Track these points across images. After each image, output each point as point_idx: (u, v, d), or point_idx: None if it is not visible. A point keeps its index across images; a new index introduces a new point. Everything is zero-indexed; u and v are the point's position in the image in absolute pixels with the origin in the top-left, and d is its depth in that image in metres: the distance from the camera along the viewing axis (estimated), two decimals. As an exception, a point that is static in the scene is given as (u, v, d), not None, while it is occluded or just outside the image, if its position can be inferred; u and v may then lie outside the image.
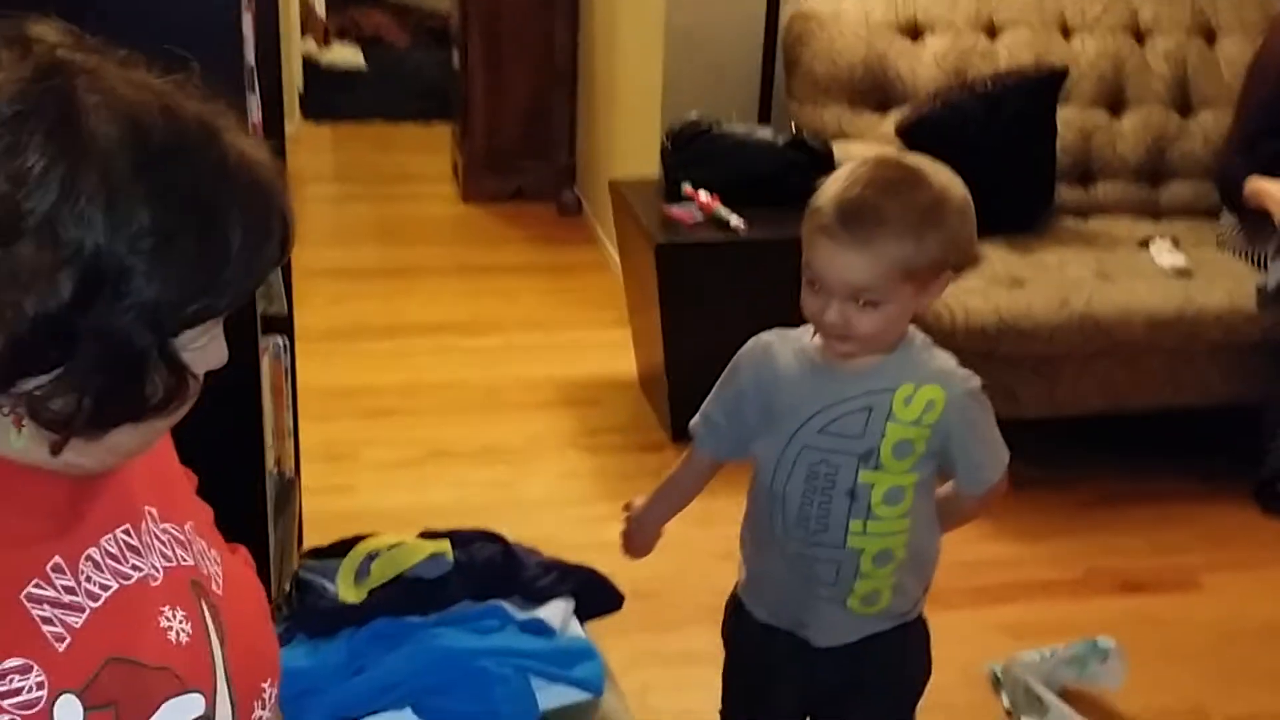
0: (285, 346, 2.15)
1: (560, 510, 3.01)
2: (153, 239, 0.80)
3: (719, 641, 1.77)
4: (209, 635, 0.96)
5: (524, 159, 5.33)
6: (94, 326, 0.79)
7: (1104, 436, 3.35)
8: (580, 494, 3.11)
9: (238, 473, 1.73)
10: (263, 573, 1.13)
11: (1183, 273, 3.18)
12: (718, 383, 1.64)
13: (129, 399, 0.84)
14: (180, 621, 0.94)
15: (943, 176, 1.48)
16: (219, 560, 1.03)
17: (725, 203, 3.27)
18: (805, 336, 1.55)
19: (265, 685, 1.02)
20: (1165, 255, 3.25)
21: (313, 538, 2.30)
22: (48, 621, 0.85)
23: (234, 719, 0.96)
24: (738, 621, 1.70)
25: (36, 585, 0.85)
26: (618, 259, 4.57)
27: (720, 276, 3.19)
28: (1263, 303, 3.06)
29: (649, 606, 2.42)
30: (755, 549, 1.65)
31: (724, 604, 1.75)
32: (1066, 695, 2.37)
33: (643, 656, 2.36)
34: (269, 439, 1.83)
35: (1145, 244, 3.35)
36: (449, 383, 3.63)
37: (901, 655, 1.66)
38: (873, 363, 1.50)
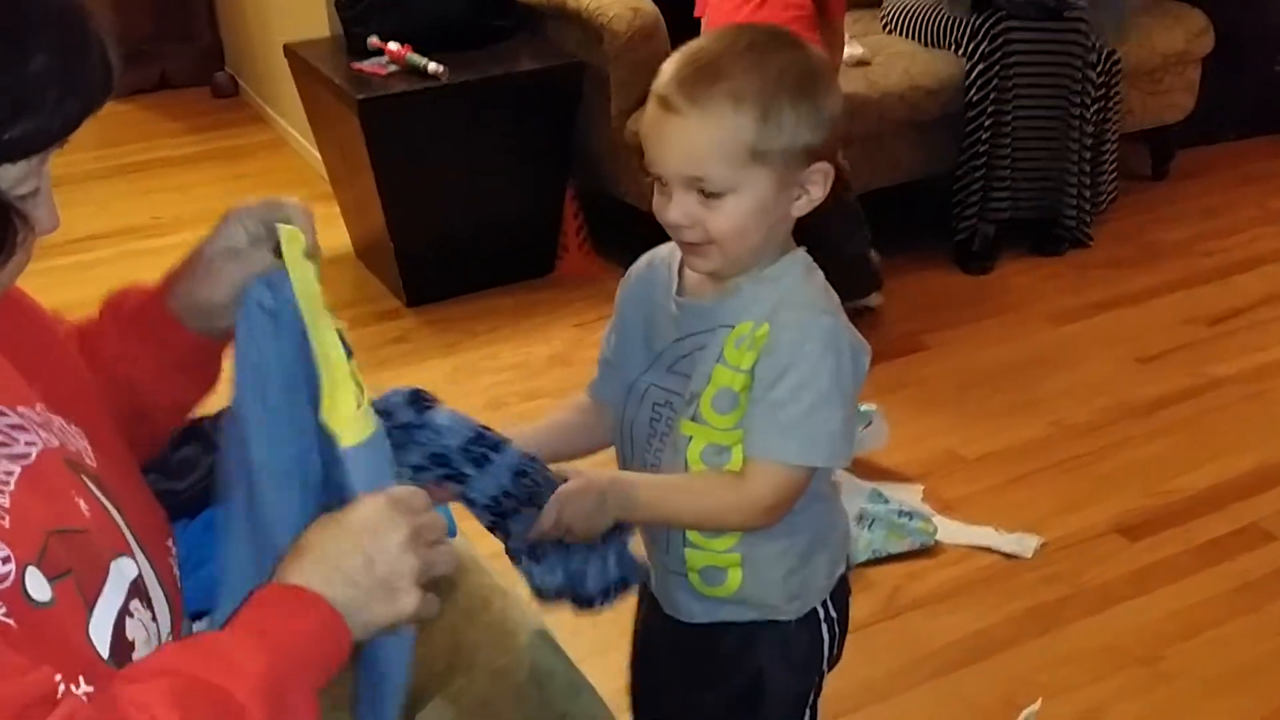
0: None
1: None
2: None
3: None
4: (104, 505, 0.90)
5: (163, 43, 4.93)
6: None
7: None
8: (327, 372, 2.98)
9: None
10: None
11: (861, 62, 3.34)
12: None
13: None
14: (75, 495, 0.88)
15: (815, 48, 1.23)
16: (83, 434, 0.95)
17: (416, 51, 3.15)
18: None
19: (170, 544, 0.98)
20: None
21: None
22: None
23: (158, 580, 0.91)
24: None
25: None
26: (295, 133, 4.36)
27: (429, 128, 3.08)
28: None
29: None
30: None
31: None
32: (840, 465, 2.52)
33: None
34: None
35: (822, 39, 3.49)
36: (149, 288, 3.37)
37: (750, 654, 1.33)
38: (729, 290, 1.23)
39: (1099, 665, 2.06)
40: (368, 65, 3.15)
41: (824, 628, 1.36)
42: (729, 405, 1.21)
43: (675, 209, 1.17)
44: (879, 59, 3.34)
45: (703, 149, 1.14)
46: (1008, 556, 2.32)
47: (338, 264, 3.57)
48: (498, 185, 3.24)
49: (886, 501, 2.39)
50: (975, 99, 3.24)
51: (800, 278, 1.24)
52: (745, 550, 1.27)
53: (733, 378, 1.21)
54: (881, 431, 2.60)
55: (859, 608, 2.25)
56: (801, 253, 1.26)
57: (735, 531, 1.26)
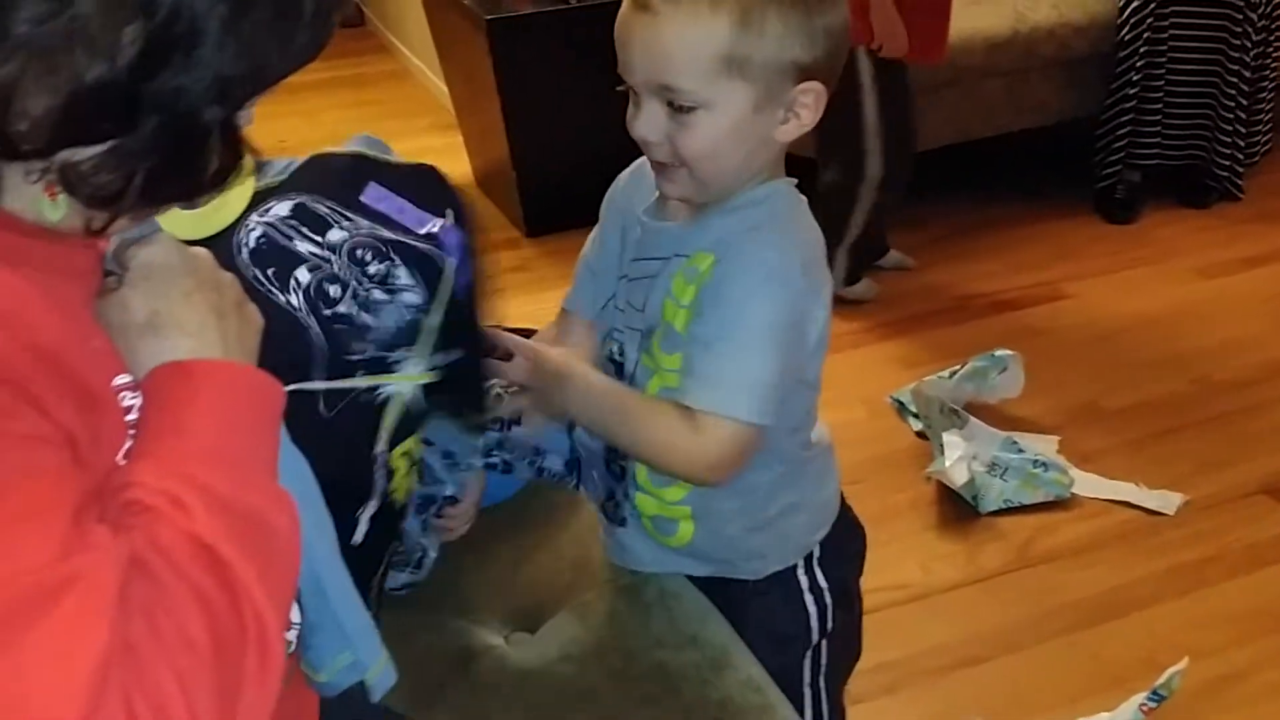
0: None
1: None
2: (230, 2, 0.68)
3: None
4: None
5: (292, -28, 4.95)
6: (158, 97, 0.67)
7: (948, 171, 3.39)
8: (447, 298, 2.97)
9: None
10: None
11: (1008, -6, 3.19)
12: None
13: (184, 177, 0.73)
14: None
15: None
16: None
17: (547, -27, 3.09)
18: None
19: None
20: (989, -20, 3.25)
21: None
22: None
23: None
24: None
25: None
26: (419, 63, 4.34)
27: (558, 51, 3.02)
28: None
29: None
30: None
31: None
32: (969, 409, 2.42)
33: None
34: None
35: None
36: (276, 207, 3.39)
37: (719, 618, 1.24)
38: (700, 216, 1.10)
39: (1244, 629, 1.94)
40: (497, -13, 3.10)
41: (809, 598, 1.23)
42: (673, 345, 1.09)
43: (644, 122, 1.04)
44: (1026, -7, 3.19)
45: (671, 52, 1.00)
46: (1148, 513, 2.20)
47: (458, 192, 3.56)
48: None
49: (1021, 450, 2.29)
50: (1128, 37, 3.08)
51: (774, 209, 1.08)
52: (696, 505, 1.16)
53: (675, 313, 1.08)
54: (1017, 379, 2.49)
55: (990, 556, 2.19)
56: (784, 183, 1.11)
57: (676, 476, 1.13)
